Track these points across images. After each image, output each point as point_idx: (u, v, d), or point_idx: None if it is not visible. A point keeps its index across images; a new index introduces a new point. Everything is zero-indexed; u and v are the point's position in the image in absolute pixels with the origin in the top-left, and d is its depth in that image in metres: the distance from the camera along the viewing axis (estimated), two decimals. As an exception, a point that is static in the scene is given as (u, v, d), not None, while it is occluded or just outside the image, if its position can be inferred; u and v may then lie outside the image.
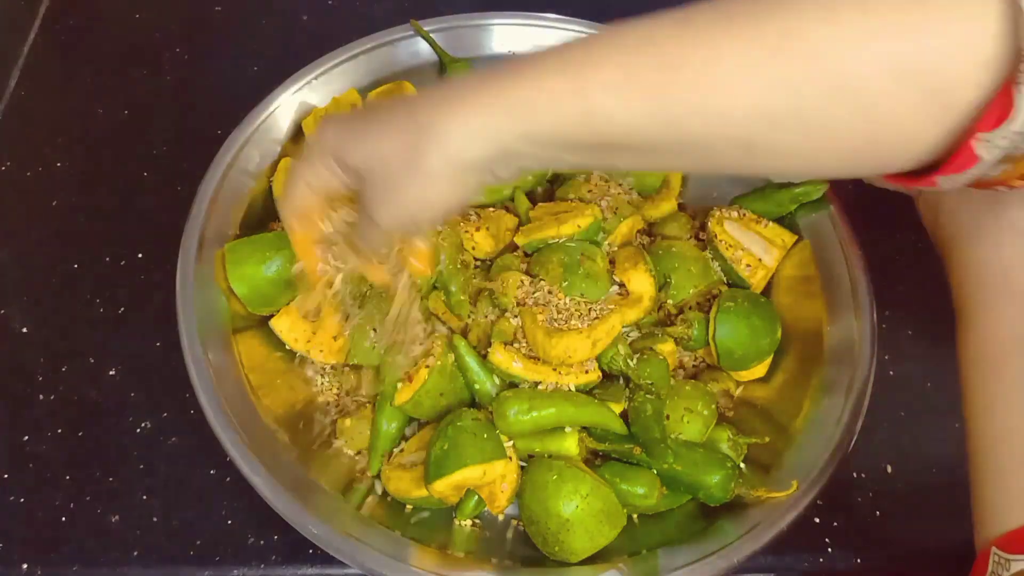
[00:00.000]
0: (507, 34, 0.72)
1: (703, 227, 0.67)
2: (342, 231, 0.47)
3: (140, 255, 0.66)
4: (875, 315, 0.59)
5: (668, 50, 0.35)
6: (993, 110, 0.31)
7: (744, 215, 0.66)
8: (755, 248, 0.65)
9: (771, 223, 0.66)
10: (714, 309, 0.60)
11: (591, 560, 0.52)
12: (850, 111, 0.33)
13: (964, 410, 0.49)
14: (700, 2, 0.35)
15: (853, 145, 0.35)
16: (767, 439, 0.57)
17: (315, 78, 0.67)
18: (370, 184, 0.42)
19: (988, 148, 0.32)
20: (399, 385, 0.56)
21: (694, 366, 0.64)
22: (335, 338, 0.59)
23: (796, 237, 0.65)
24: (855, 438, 0.54)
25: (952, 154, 0.33)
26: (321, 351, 0.59)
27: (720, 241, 0.64)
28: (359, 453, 0.58)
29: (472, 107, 0.38)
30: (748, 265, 0.64)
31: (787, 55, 0.33)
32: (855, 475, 0.60)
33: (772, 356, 0.62)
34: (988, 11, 0.30)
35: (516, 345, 0.56)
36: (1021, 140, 0.31)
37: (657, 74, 0.35)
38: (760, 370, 0.62)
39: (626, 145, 0.37)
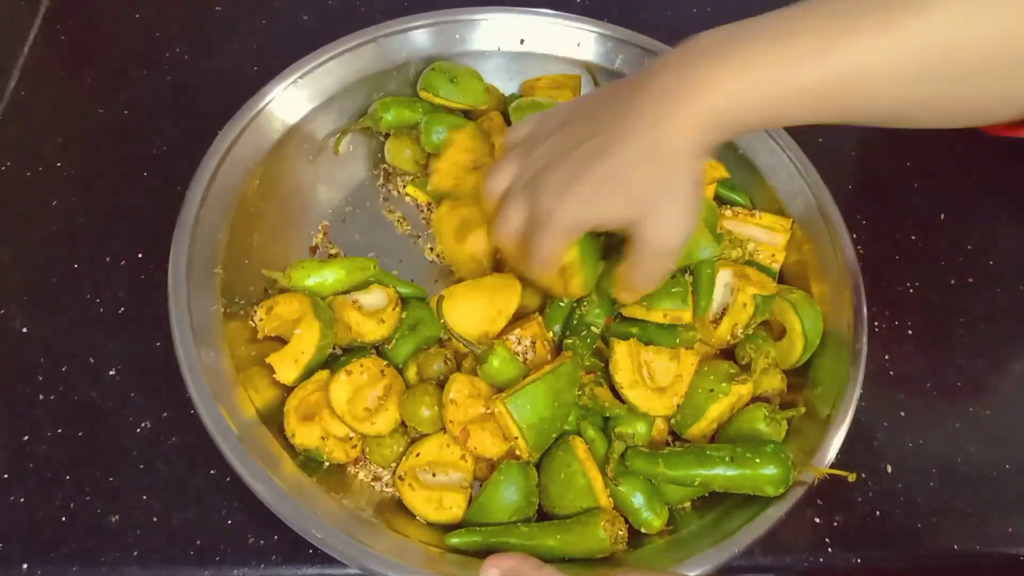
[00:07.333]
0: (503, 29, 0.72)
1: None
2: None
3: (140, 255, 0.66)
4: (875, 315, 0.59)
5: None
6: None
7: (737, 212, 0.67)
8: (763, 238, 0.65)
9: (763, 213, 0.66)
10: (785, 304, 0.60)
11: (590, 563, 0.52)
12: None
13: None
14: None
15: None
16: (803, 409, 0.56)
17: (302, 76, 0.67)
18: (644, 222, 0.46)
19: None
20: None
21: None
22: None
23: (791, 220, 0.66)
24: (848, 436, 0.55)
25: None
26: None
27: (734, 238, 0.65)
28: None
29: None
30: (772, 255, 0.64)
31: None
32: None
33: None
34: None
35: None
36: None
37: None
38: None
39: None
